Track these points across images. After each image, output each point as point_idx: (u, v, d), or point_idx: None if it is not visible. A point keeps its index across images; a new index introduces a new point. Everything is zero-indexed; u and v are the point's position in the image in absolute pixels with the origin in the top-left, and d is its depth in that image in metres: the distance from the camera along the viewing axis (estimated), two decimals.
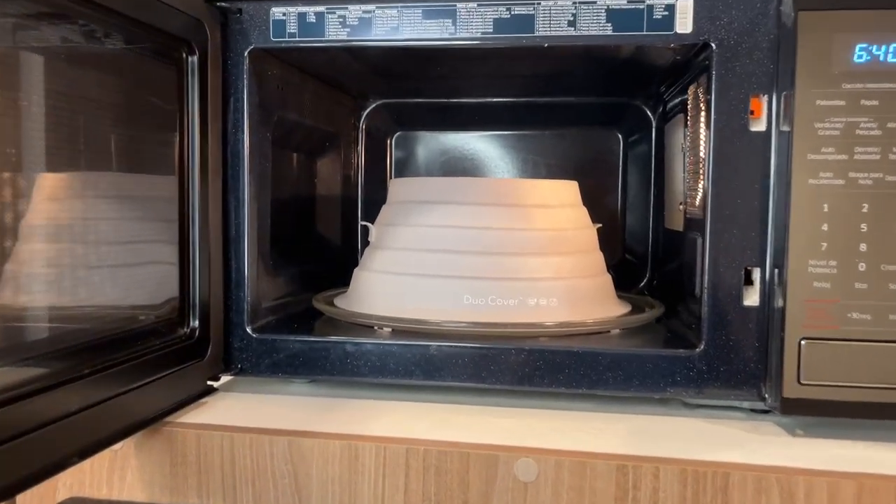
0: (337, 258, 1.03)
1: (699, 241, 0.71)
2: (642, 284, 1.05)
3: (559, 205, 0.81)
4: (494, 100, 1.05)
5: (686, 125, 0.82)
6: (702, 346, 0.67)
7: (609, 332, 0.75)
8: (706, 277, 0.67)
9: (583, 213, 0.85)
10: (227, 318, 0.72)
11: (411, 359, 0.70)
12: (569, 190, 0.83)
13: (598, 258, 0.84)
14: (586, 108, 1.06)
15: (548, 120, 1.08)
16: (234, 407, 0.69)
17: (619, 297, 0.86)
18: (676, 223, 0.87)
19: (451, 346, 0.70)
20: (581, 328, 0.74)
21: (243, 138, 0.72)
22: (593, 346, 0.69)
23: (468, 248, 0.77)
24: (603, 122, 1.09)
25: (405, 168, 1.11)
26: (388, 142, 1.11)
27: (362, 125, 1.09)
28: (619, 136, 1.09)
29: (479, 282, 0.75)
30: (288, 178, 0.91)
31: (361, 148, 1.09)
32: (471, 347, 0.70)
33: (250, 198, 0.73)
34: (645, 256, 1.06)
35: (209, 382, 0.71)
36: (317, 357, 0.72)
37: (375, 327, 0.75)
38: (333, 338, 0.72)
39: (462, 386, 0.70)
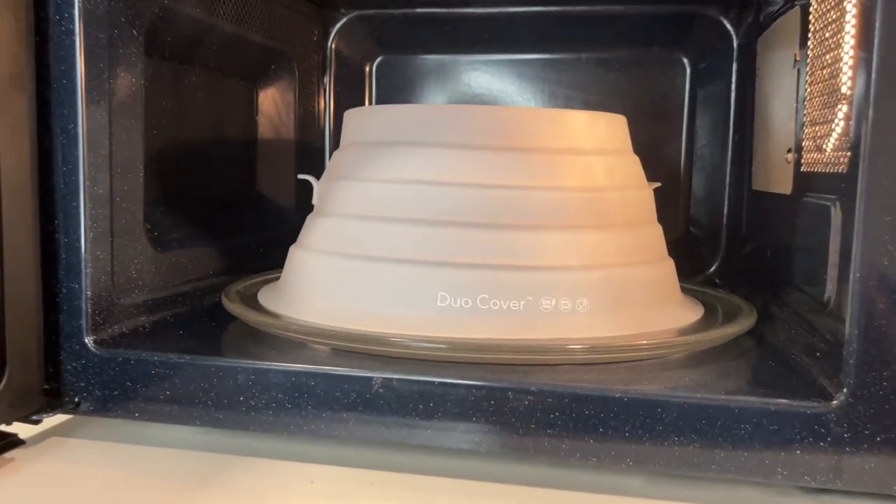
0: (293, 229, 0.76)
1: (835, 210, 0.41)
2: (711, 270, 0.76)
3: (597, 150, 0.52)
4: (512, 9, 0.76)
5: (806, 28, 0.52)
6: (843, 396, 0.38)
7: (670, 355, 0.47)
8: (855, 274, 0.37)
9: (633, 165, 0.55)
10: (51, 323, 0.45)
11: (349, 401, 0.43)
12: (613, 127, 0.54)
13: (655, 235, 0.55)
14: (639, 20, 0.76)
15: (585, 38, 0.78)
16: (42, 477, 0.42)
17: (683, 291, 0.57)
18: (778, 182, 0.57)
19: (412, 382, 0.42)
20: (627, 351, 0.45)
21: (74, 30, 0.44)
22: (648, 389, 0.41)
23: (449, 216, 0.48)
24: (662, 42, 0.78)
25: None
26: (368, 69, 0.82)
27: (331, 45, 0.80)
28: (685, 60, 0.78)
29: (465, 271, 0.47)
30: (198, 111, 0.62)
31: (330, 77, 0.80)
32: (443, 384, 0.42)
33: (91, 132, 0.45)
34: (717, 231, 0.76)
35: (5, 429, 0.44)
36: (195, 391, 0.44)
37: (307, 343, 0.47)
38: (224, 360, 0.44)
39: (428, 446, 0.42)
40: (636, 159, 0.56)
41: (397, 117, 0.52)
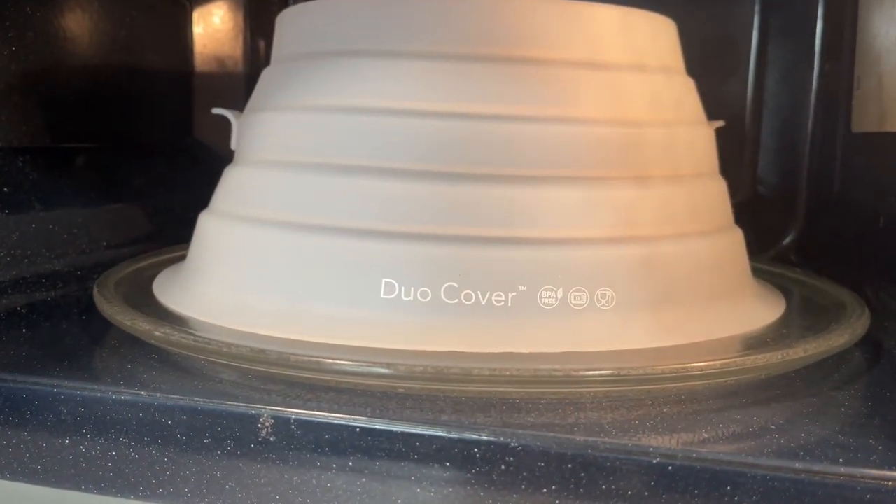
0: None
1: None
2: (786, 243, 0.58)
3: (633, 65, 0.35)
4: None
5: None
6: None
7: (737, 377, 0.29)
8: None
9: (686, 91, 0.38)
10: None
11: (223, 452, 0.27)
12: (658, 32, 0.37)
13: (718, 192, 0.38)
14: None
15: None
16: None
17: (753, 272, 0.40)
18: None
19: (319, 426, 0.26)
20: (677, 379, 0.28)
21: None
22: (710, 448, 0.24)
23: (404, 163, 0.32)
24: None
25: None
26: None
27: None
28: None
29: (423, 246, 0.30)
30: (91, 30, 0.46)
31: None
32: (369, 432, 0.25)
33: None
34: (794, 191, 0.58)
35: None
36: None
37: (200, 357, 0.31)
38: (41, 381, 0.29)
39: None
40: (690, 83, 0.39)
41: (338, 15, 0.36)
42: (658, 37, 0.37)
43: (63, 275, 0.41)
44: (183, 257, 0.44)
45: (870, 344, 0.34)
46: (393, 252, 0.31)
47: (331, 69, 0.34)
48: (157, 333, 0.29)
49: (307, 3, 0.38)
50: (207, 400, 0.27)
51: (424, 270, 0.30)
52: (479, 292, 0.30)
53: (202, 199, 0.53)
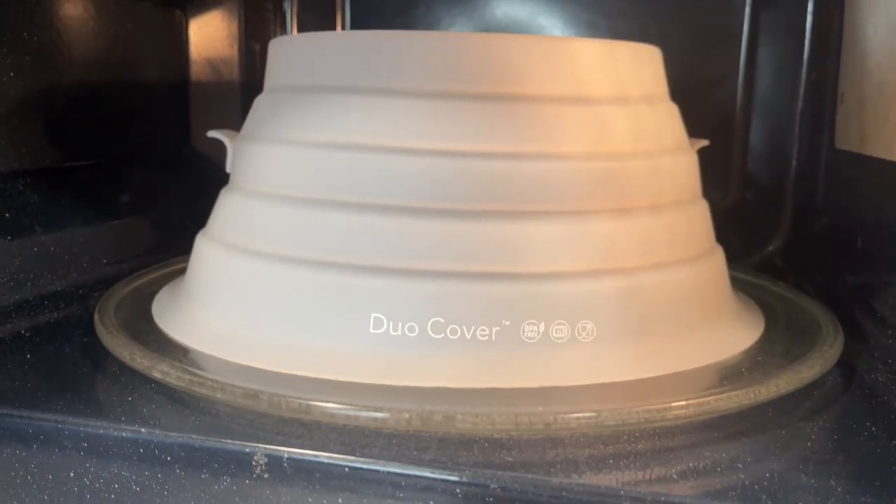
0: None
1: None
2: (772, 248, 0.59)
3: (617, 97, 0.36)
4: None
5: None
6: None
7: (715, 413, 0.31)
8: None
9: (670, 118, 0.39)
10: None
11: (220, 487, 0.28)
12: (641, 63, 0.38)
13: (699, 217, 0.39)
14: None
15: None
16: None
17: (734, 283, 0.42)
18: (880, 143, 0.40)
19: (312, 464, 0.27)
20: (651, 418, 0.29)
21: None
22: (679, 498, 0.25)
23: (393, 199, 0.33)
24: None
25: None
26: None
27: None
28: None
29: (411, 282, 0.32)
30: (89, 46, 0.47)
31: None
32: (357, 472, 0.27)
33: None
34: (781, 196, 0.59)
35: None
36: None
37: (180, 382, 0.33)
38: (40, 415, 0.30)
39: None
40: (673, 110, 0.40)
41: (328, 49, 0.36)
42: (642, 67, 0.37)
43: (65, 294, 0.42)
44: (180, 271, 0.45)
45: (843, 366, 0.35)
46: (381, 287, 0.32)
47: (321, 104, 0.35)
48: (155, 373, 0.31)
49: (299, 35, 0.39)
50: (204, 437, 0.28)
51: (411, 305, 0.32)
52: (464, 327, 0.31)
53: (201, 208, 0.54)
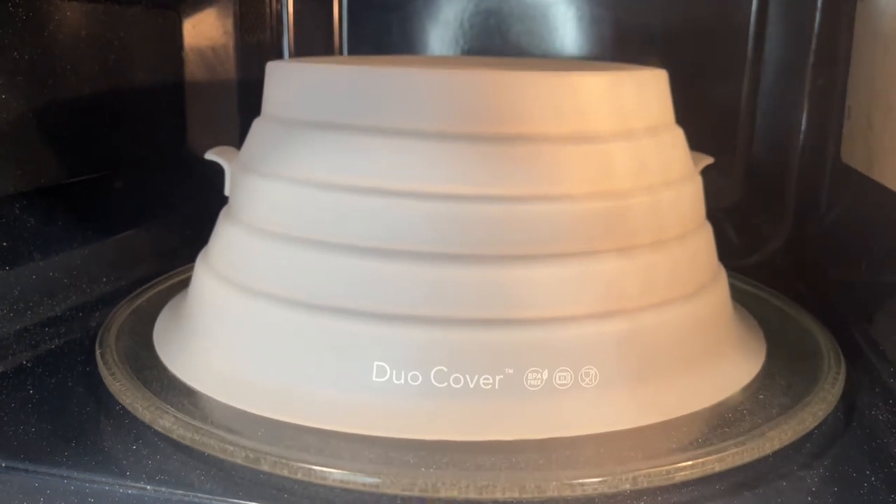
0: None
1: None
2: (775, 246, 0.59)
3: (620, 132, 0.35)
4: None
5: None
6: None
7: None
8: None
9: (674, 147, 0.38)
10: None
11: None
12: (645, 93, 0.37)
13: (703, 245, 0.39)
14: None
15: None
16: None
17: (735, 291, 0.42)
18: (888, 170, 0.40)
19: None
20: (659, 479, 0.29)
21: None
22: None
23: (393, 243, 0.32)
24: None
25: (366, 32, 0.65)
26: None
27: None
28: None
29: (415, 329, 0.32)
30: (83, 58, 0.46)
31: None
32: None
33: None
34: (783, 196, 0.58)
35: None
36: None
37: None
38: (30, 467, 0.30)
39: None
40: (678, 136, 0.39)
41: (327, 84, 0.36)
42: (645, 96, 0.37)
43: (66, 319, 0.42)
44: (179, 285, 0.45)
45: (845, 401, 0.36)
46: (383, 335, 0.32)
47: (322, 143, 0.34)
48: (158, 427, 0.31)
49: (297, 64, 0.38)
50: (209, 497, 0.28)
51: (414, 354, 0.32)
52: (467, 376, 0.31)
53: (198, 212, 0.53)
